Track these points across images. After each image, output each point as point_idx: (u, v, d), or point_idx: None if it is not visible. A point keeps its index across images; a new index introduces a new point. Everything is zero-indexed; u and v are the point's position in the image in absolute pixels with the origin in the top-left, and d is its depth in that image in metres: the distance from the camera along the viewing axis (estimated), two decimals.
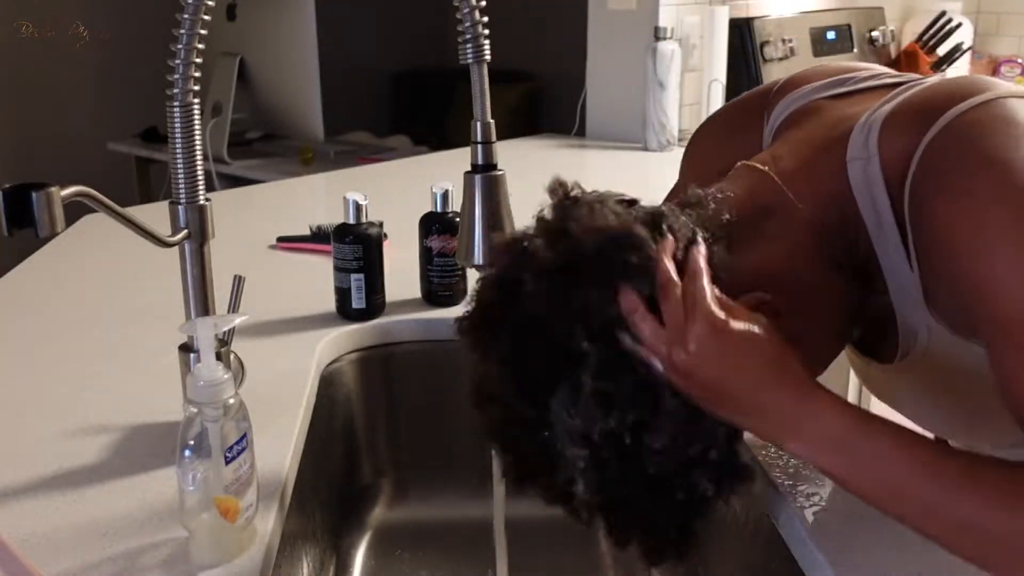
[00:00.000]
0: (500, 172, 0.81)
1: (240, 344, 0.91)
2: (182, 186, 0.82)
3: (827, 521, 0.74)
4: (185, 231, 0.83)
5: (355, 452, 1.20)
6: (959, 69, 3.03)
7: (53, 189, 0.66)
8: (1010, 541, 0.57)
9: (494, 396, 0.70)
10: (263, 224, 1.67)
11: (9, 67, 3.88)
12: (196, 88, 0.80)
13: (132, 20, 3.86)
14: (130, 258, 1.46)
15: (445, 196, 1.21)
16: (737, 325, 0.62)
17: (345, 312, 1.19)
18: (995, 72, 3.40)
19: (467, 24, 0.76)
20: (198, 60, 0.79)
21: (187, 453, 0.68)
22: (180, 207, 0.83)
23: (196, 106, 0.81)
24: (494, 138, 0.80)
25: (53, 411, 0.96)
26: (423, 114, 3.98)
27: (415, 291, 1.25)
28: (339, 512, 1.13)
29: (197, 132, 0.81)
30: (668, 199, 0.80)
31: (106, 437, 0.90)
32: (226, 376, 0.69)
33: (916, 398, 0.81)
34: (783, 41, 2.58)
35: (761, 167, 0.75)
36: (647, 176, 2.15)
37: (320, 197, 2.12)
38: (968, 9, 3.16)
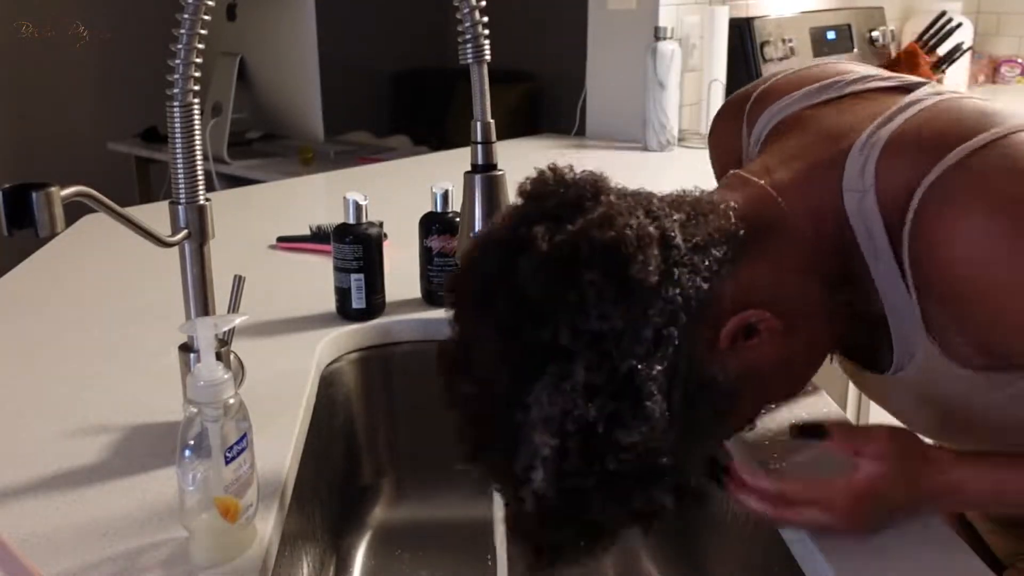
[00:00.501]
0: (500, 172, 0.81)
1: (240, 344, 0.91)
2: (182, 186, 0.82)
3: None
4: (185, 231, 0.83)
5: (355, 452, 1.20)
6: (959, 69, 3.02)
7: (53, 189, 0.66)
8: None
9: (472, 366, 0.65)
10: (263, 224, 1.67)
11: (9, 67, 3.88)
12: (196, 88, 0.80)
13: (132, 20, 3.86)
14: (130, 258, 1.46)
15: (445, 196, 1.21)
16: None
17: (345, 312, 1.19)
18: (995, 72, 3.40)
19: (467, 24, 0.76)
20: (198, 60, 0.79)
21: (187, 453, 0.68)
22: (180, 207, 0.83)
23: (196, 106, 0.81)
24: (494, 138, 0.81)
25: (53, 411, 0.96)
26: (423, 114, 3.98)
27: (415, 291, 1.25)
28: (339, 512, 1.13)
29: (197, 132, 0.81)
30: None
31: (106, 437, 0.90)
32: (226, 376, 0.69)
33: (910, 406, 0.81)
34: (783, 41, 2.58)
35: (756, 180, 0.73)
36: (647, 176, 2.15)
37: (320, 197, 2.12)
38: (968, 9, 3.16)
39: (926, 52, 2.97)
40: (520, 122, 3.32)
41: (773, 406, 0.91)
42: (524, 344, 0.62)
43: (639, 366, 0.61)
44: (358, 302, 1.17)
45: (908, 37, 3.12)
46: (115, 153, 3.78)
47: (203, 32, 0.78)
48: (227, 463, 0.68)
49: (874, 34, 2.95)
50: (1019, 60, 3.29)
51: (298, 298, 1.26)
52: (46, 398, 1.01)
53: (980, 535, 0.98)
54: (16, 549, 0.57)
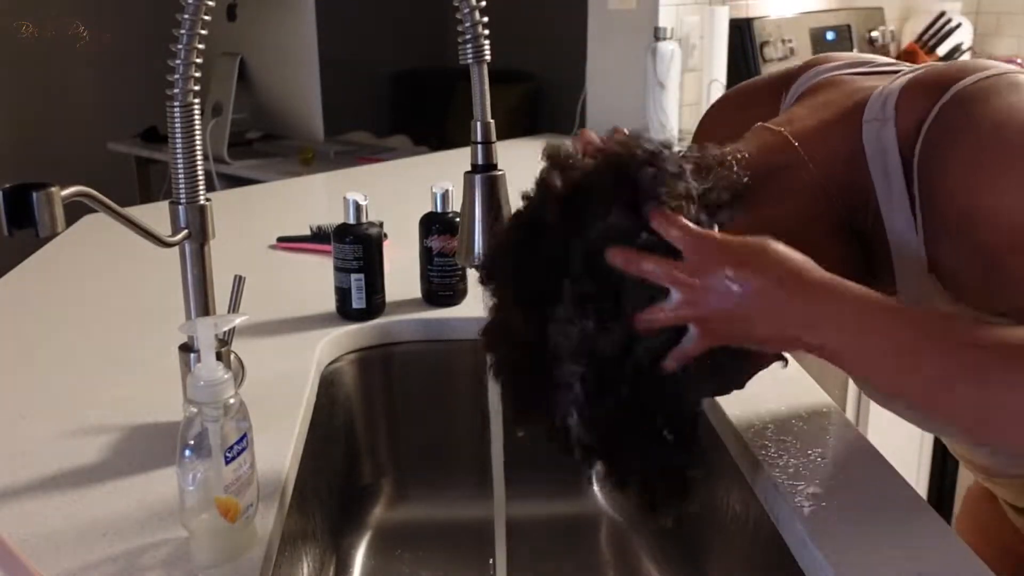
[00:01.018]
0: (500, 172, 0.81)
1: (240, 344, 0.91)
2: (182, 186, 0.82)
3: (827, 521, 0.74)
4: (185, 231, 0.83)
5: (355, 452, 1.20)
6: None
7: (53, 189, 0.66)
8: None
9: (507, 334, 0.70)
10: (263, 224, 1.67)
11: (9, 67, 3.88)
12: (196, 88, 0.80)
13: (132, 20, 3.86)
14: (130, 258, 1.46)
15: (445, 196, 1.21)
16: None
17: (345, 312, 1.19)
18: None
19: (467, 24, 0.76)
20: (198, 60, 0.79)
21: (187, 453, 0.68)
22: (180, 207, 0.83)
23: (196, 106, 0.81)
24: (494, 138, 0.80)
25: (53, 411, 0.96)
26: (423, 114, 3.97)
27: (415, 291, 1.25)
28: (339, 512, 1.13)
29: (197, 132, 0.81)
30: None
31: (106, 437, 0.90)
32: (226, 376, 0.69)
33: None
34: (783, 41, 2.58)
35: (775, 128, 0.76)
36: None
37: (320, 197, 2.12)
38: (968, 9, 3.16)
39: (925, 52, 2.97)
40: (520, 122, 3.32)
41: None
42: (539, 292, 0.67)
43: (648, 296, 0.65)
44: (358, 302, 1.17)
45: (908, 37, 3.12)
46: (115, 153, 3.78)
47: (203, 32, 0.78)
48: (227, 463, 0.68)
49: (874, 34, 2.95)
50: (1019, 60, 3.29)
51: (298, 298, 1.26)
52: (46, 398, 1.01)
53: None
54: (16, 549, 0.57)
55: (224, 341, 0.87)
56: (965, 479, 2.29)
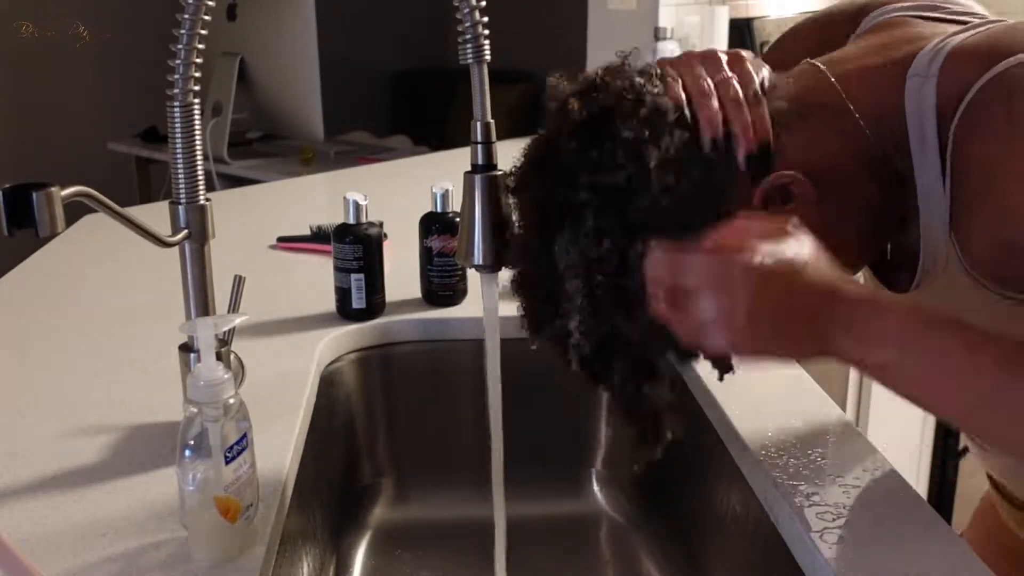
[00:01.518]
0: (500, 172, 0.81)
1: (240, 344, 0.91)
2: (182, 186, 0.82)
3: (827, 521, 0.74)
4: (185, 231, 0.83)
5: (355, 452, 1.20)
6: None
7: (53, 189, 0.66)
8: None
9: (525, 249, 0.73)
10: (263, 224, 1.67)
11: (9, 67, 3.88)
12: (196, 88, 0.80)
13: (132, 20, 3.86)
14: (130, 258, 1.46)
15: (445, 196, 1.21)
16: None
17: (345, 312, 1.19)
18: None
19: (467, 24, 0.76)
20: (198, 60, 0.79)
21: (187, 453, 0.68)
22: (180, 207, 0.83)
23: (196, 106, 0.81)
24: (494, 138, 0.80)
25: (53, 411, 0.96)
26: (423, 114, 3.97)
27: (415, 291, 1.25)
28: (339, 512, 1.13)
29: (197, 132, 0.81)
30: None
31: (106, 437, 0.90)
32: (226, 376, 0.69)
33: None
34: None
35: (821, 66, 0.75)
36: None
37: (320, 197, 2.12)
38: None
39: None
40: (520, 122, 3.31)
41: None
42: (553, 207, 0.69)
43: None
44: (358, 302, 1.17)
45: None
46: (115, 153, 3.78)
47: (203, 32, 0.78)
48: (227, 463, 0.68)
49: None
50: None
51: (298, 298, 1.26)
52: (46, 398, 1.01)
53: None
54: (16, 549, 0.57)
55: (224, 341, 0.87)
56: (965, 479, 2.30)
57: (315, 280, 1.32)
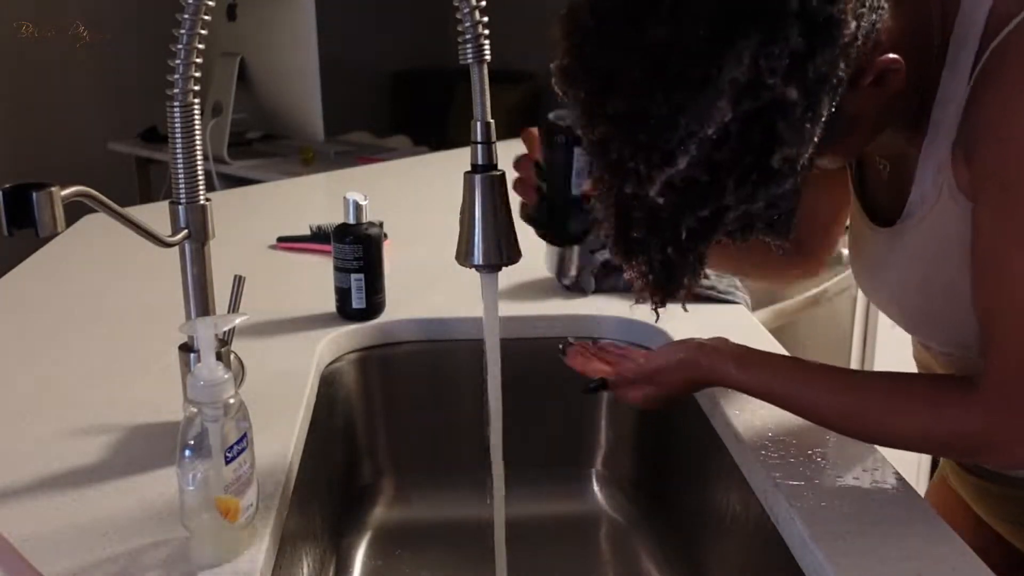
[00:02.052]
0: (500, 172, 0.81)
1: (240, 344, 0.91)
2: (182, 186, 0.82)
3: (827, 521, 0.74)
4: (185, 231, 0.83)
5: (355, 452, 1.20)
6: None
7: (53, 189, 0.66)
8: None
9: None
10: (263, 224, 1.67)
11: (9, 67, 3.88)
12: (196, 88, 0.80)
13: (132, 20, 3.86)
14: (130, 258, 1.46)
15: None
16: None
17: (345, 312, 1.19)
18: None
19: (467, 24, 0.76)
20: (198, 60, 0.79)
21: (187, 453, 0.68)
22: (180, 207, 0.83)
23: (196, 106, 0.81)
24: (494, 138, 0.80)
25: (53, 411, 0.96)
26: (423, 114, 3.98)
27: (415, 291, 1.25)
28: (339, 512, 1.13)
29: (197, 132, 0.81)
30: None
31: (106, 437, 0.90)
32: (226, 376, 0.68)
33: (904, 266, 0.82)
34: None
35: None
36: None
37: (320, 197, 2.12)
38: None
39: None
40: (520, 122, 3.32)
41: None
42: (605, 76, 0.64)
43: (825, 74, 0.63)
44: (358, 302, 1.17)
45: None
46: (115, 153, 3.79)
47: (203, 32, 0.78)
48: (227, 463, 0.68)
49: None
50: None
51: (298, 298, 1.26)
52: (46, 398, 1.01)
53: (1002, 537, 0.98)
54: (16, 548, 0.57)
55: (224, 341, 0.87)
56: None
57: (315, 280, 1.32)
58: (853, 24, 0.64)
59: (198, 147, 0.82)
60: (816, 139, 0.65)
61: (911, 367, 1.01)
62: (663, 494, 1.14)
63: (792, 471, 0.82)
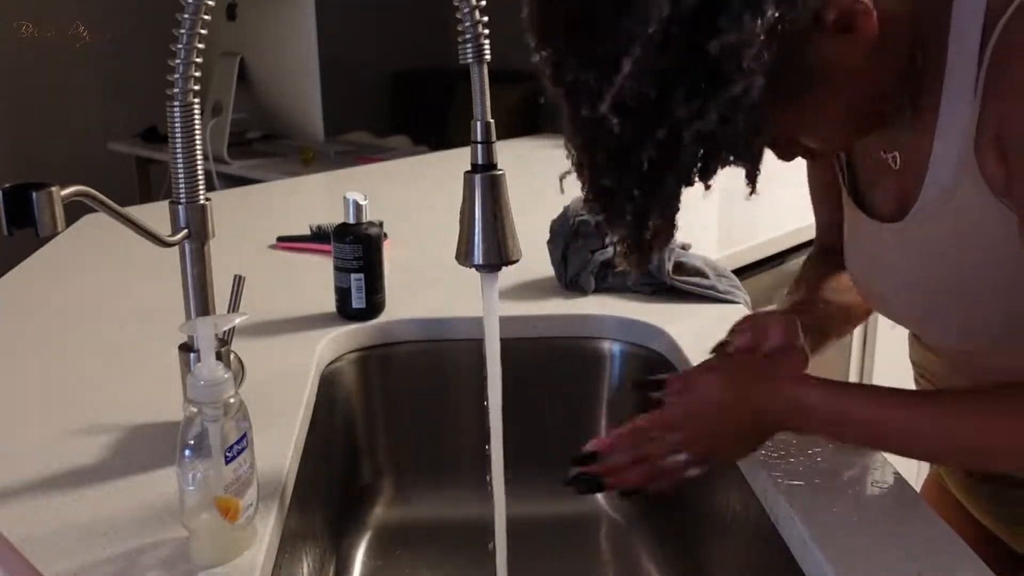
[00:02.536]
0: (500, 172, 0.81)
1: (240, 344, 0.91)
2: (182, 186, 0.82)
3: (827, 521, 0.74)
4: (185, 231, 0.83)
5: (355, 452, 1.20)
6: None
7: (53, 189, 0.66)
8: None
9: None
10: (263, 224, 1.67)
11: (9, 67, 3.88)
12: (196, 88, 0.80)
13: (132, 20, 3.86)
14: (130, 258, 1.46)
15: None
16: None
17: (345, 312, 1.19)
18: None
19: (467, 24, 0.76)
20: (198, 60, 0.79)
21: (187, 453, 0.68)
22: (180, 207, 0.83)
23: (196, 106, 0.81)
24: (494, 138, 0.80)
25: (53, 411, 0.96)
26: (423, 114, 3.97)
27: (415, 291, 1.25)
28: (339, 512, 1.13)
29: (197, 132, 0.81)
30: None
31: (106, 437, 0.90)
32: (226, 376, 0.68)
33: (913, 261, 0.80)
34: None
35: None
36: None
37: (320, 197, 2.12)
38: None
39: None
40: (520, 122, 3.32)
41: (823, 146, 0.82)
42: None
43: None
44: (358, 302, 1.17)
45: None
46: (115, 153, 3.79)
47: (203, 32, 0.78)
48: (227, 463, 0.68)
49: None
50: None
51: (298, 298, 1.26)
52: (46, 398, 1.01)
53: (994, 534, 0.98)
54: (16, 548, 0.57)
55: (224, 341, 0.87)
56: None
57: (315, 280, 1.32)
58: None
59: (198, 147, 0.82)
60: (763, 41, 0.62)
61: (910, 368, 1.01)
62: (663, 494, 1.14)
63: (792, 471, 0.82)
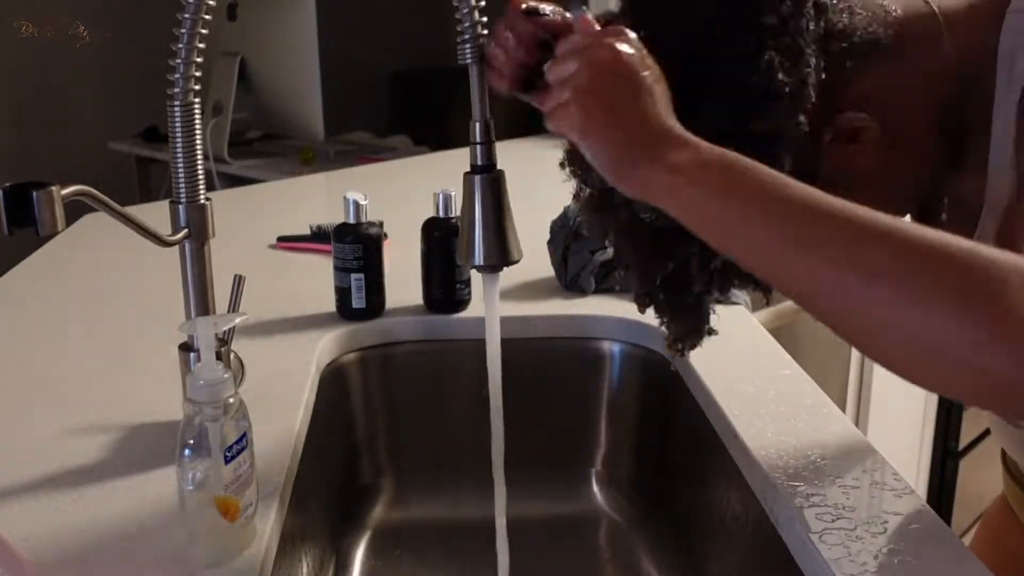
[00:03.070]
0: (500, 172, 0.81)
1: (240, 344, 0.91)
2: (182, 185, 0.82)
3: (827, 521, 0.74)
4: (185, 230, 0.83)
5: (355, 452, 1.20)
6: None
7: (54, 188, 0.66)
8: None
9: None
10: (263, 224, 1.67)
11: (9, 67, 3.88)
12: (197, 88, 0.80)
13: (132, 20, 3.86)
14: (130, 258, 1.46)
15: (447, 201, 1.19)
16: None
17: (345, 312, 1.19)
18: None
19: (467, 24, 0.76)
20: (199, 60, 0.79)
21: (187, 453, 0.68)
22: (180, 206, 0.83)
23: (197, 105, 0.81)
24: (494, 138, 0.80)
25: (53, 411, 0.96)
26: (423, 114, 3.97)
27: (415, 291, 1.25)
28: (339, 512, 1.13)
29: (198, 132, 0.81)
30: None
31: (106, 437, 0.90)
32: (226, 375, 0.69)
33: None
34: None
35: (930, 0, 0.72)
36: None
37: (320, 197, 2.12)
38: None
39: None
40: (520, 122, 3.32)
41: None
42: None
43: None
44: (358, 302, 1.17)
45: None
46: (116, 152, 3.79)
47: (204, 32, 0.78)
48: (227, 462, 0.68)
49: None
50: None
51: (298, 298, 1.26)
52: (46, 398, 1.01)
53: None
54: (15, 548, 0.57)
55: (224, 340, 0.87)
56: (965, 479, 2.30)
57: (315, 280, 1.32)
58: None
59: (198, 147, 0.82)
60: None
61: None
62: (663, 494, 1.14)
63: (792, 471, 0.82)
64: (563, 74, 0.64)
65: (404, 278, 1.26)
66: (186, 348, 0.86)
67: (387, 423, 1.22)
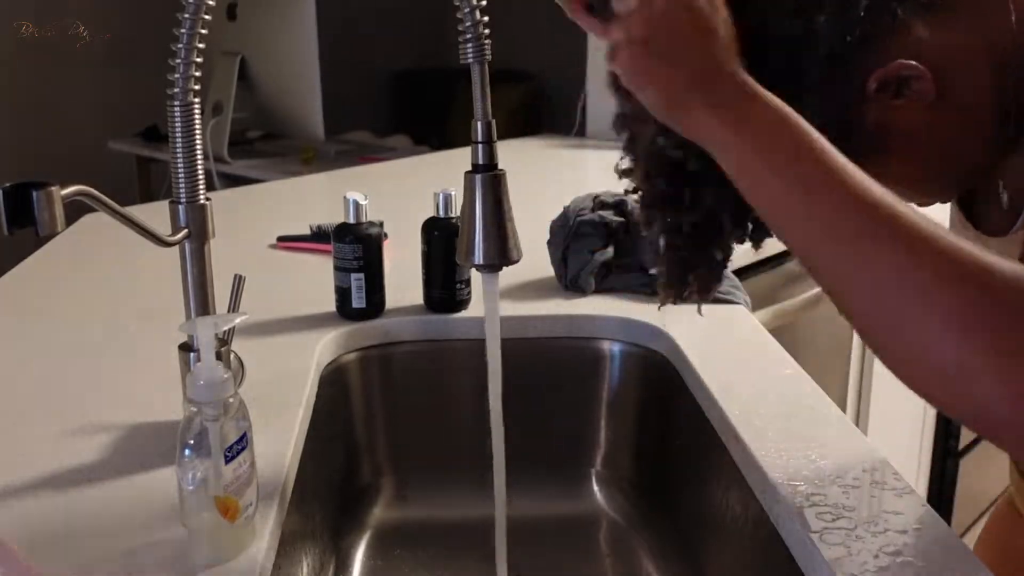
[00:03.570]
0: (501, 172, 0.81)
1: (240, 344, 0.91)
2: (182, 185, 0.82)
3: (827, 521, 0.74)
4: (185, 230, 0.83)
5: (355, 452, 1.20)
6: None
7: (54, 188, 0.66)
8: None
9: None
10: (263, 224, 1.67)
11: (9, 67, 3.88)
12: (197, 87, 0.80)
13: (132, 20, 3.86)
14: (130, 258, 1.46)
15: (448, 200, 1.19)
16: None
17: (345, 312, 1.19)
18: None
19: (467, 24, 0.76)
20: (199, 59, 0.79)
21: (187, 452, 0.68)
22: (180, 206, 0.83)
23: (197, 105, 0.81)
24: (495, 138, 0.80)
25: (53, 411, 0.96)
26: (423, 114, 3.97)
27: (416, 292, 1.25)
28: (339, 512, 1.13)
29: (198, 131, 0.81)
30: None
31: (106, 437, 0.90)
32: (226, 375, 0.68)
33: None
34: None
35: None
36: None
37: (320, 197, 2.12)
38: None
39: None
40: (520, 122, 3.32)
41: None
42: None
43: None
44: (358, 302, 1.17)
45: None
46: (116, 152, 3.78)
47: (204, 32, 0.78)
48: (227, 462, 0.68)
49: None
50: None
51: (298, 298, 1.26)
52: (46, 398, 1.00)
53: None
54: (16, 549, 0.57)
55: (224, 340, 0.87)
56: (965, 479, 2.29)
57: (315, 280, 1.32)
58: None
59: (198, 146, 0.82)
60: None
61: None
62: (663, 494, 1.14)
63: (792, 471, 0.82)
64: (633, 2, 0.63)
65: (404, 278, 1.26)
66: (186, 348, 0.86)
67: (387, 423, 1.22)
